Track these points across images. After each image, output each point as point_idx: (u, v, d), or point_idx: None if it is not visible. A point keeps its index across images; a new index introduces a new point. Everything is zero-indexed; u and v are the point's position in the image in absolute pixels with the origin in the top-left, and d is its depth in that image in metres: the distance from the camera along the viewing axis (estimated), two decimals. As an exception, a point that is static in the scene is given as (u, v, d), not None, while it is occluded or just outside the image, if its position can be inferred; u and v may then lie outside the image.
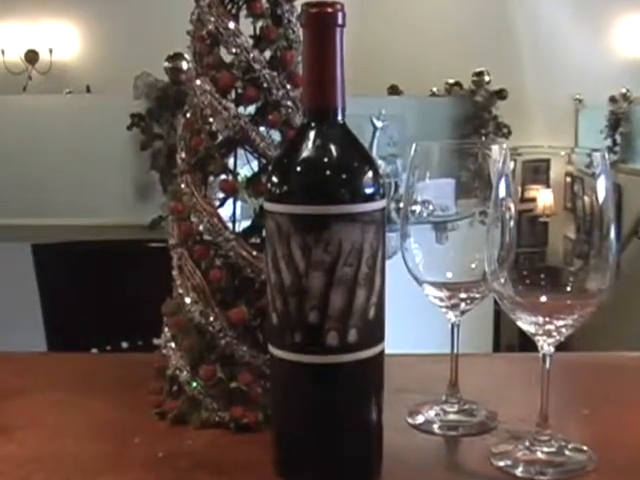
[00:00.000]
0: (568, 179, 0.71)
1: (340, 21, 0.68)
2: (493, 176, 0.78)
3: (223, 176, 0.86)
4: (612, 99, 4.96)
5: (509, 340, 3.61)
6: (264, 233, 0.73)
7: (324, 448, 0.70)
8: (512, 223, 0.71)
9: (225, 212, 0.87)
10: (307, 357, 0.68)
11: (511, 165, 0.71)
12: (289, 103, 0.85)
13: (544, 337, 0.73)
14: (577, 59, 5.11)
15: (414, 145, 0.84)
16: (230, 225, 0.86)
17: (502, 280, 0.72)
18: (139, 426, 0.85)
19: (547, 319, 0.71)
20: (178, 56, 2.97)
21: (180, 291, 0.86)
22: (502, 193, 0.72)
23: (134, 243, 1.76)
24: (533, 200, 0.72)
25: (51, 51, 6.44)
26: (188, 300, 0.85)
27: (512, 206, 0.71)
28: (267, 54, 0.86)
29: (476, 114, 4.27)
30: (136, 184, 3.12)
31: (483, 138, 4.09)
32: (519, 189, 0.72)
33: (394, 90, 5.37)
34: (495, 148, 0.82)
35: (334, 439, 0.70)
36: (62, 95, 4.62)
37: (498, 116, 4.28)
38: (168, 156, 2.86)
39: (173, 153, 0.91)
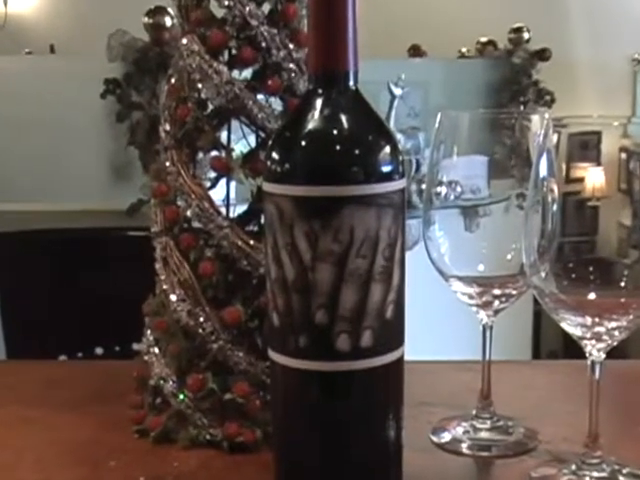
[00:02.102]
0: (623, 155, 0.71)
1: (352, -32, 0.68)
2: (533, 152, 0.78)
3: (215, 152, 0.87)
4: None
5: (551, 345, 3.61)
6: (263, 219, 0.74)
7: (333, 472, 0.71)
8: (555, 207, 0.71)
9: (217, 195, 0.87)
10: (314, 364, 0.69)
11: (554, 139, 0.71)
12: (292, 66, 0.85)
13: (593, 341, 0.73)
14: (636, 11, 5.08)
15: (439, 116, 0.84)
16: (223, 210, 0.86)
17: (543, 274, 0.72)
18: (116, 447, 0.85)
19: (596, 320, 0.72)
20: (160, 10, 2.97)
21: (164, 287, 0.87)
22: (543, 172, 0.72)
23: (109, 232, 1.77)
24: (581, 180, 0.72)
25: (5, 2, 6.38)
26: (174, 298, 0.85)
27: (555, 187, 0.71)
28: (266, 8, 0.86)
29: (513, 79, 4.25)
30: (111, 162, 3.13)
31: (521, 107, 4.08)
32: (564, 167, 0.72)
33: (416, 51, 5.35)
34: (535, 119, 0.83)
35: (345, 461, 0.71)
36: (20, 56, 4.59)
37: (539, 81, 4.26)
38: (149, 129, 2.86)
39: (155, 126, 0.91)
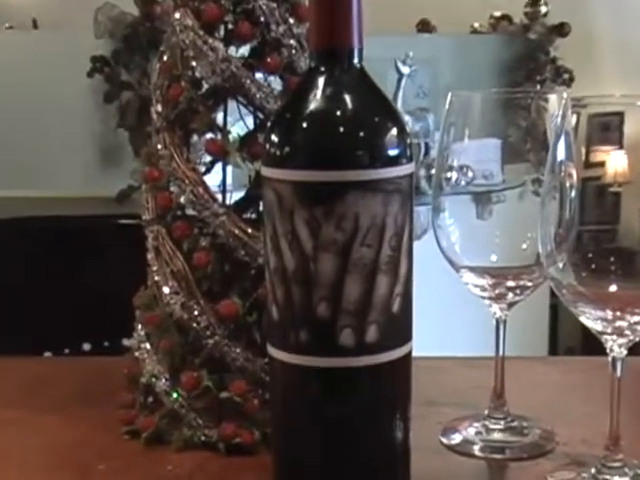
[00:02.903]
0: (646, 138, 0.71)
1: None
2: (550, 134, 0.78)
3: (210, 135, 0.87)
4: None
5: (569, 341, 3.61)
6: (261, 206, 0.74)
7: (336, 475, 0.71)
8: (574, 193, 0.71)
9: (213, 180, 0.88)
10: (315, 360, 0.69)
11: (573, 120, 0.71)
12: (292, 42, 0.85)
13: (614, 337, 0.73)
14: (660, -16, 5.06)
15: (449, 96, 0.84)
16: (219, 196, 0.87)
17: (560, 265, 0.72)
18: (105, 449, 0.86)
19: (618, 314, 0.72)
20: (151, -18, 2.96)
21: (156, 279, 0.87)
22: (561, 156, 0.72)
23: (97, 220, 1.77)
24: (601, 165, 0.72)
25: (-16, -27, 6.38)
26: (167, 290, 0.85)
27: (574, 172, 0.71)
28: (265, -20, 0.86)
29: (529, 56, 4.24)
30: (99, 146, 3.12)
31: (538, 86, 4.07)
32: (583, 151, 0.72)
33: (425, 26, 5.34)
34: (553, 99, 0.83)
35: (349, 464, 0.71)
36: (0, 30, 4.59)
37: (557, 58, 4.25)
38: (140, 110, 2.86)
39: (146, 106, 0.92)
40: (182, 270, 0.85)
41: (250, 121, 0.88)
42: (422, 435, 0.78)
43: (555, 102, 0.82)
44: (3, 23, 5.07)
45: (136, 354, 0.89)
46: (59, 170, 3.12)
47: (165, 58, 0.88)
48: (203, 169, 0.88)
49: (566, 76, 4.23)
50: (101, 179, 3.09)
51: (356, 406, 0.70)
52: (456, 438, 0.86)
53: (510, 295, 0.84)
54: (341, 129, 0.68)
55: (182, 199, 0.85)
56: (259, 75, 0.86)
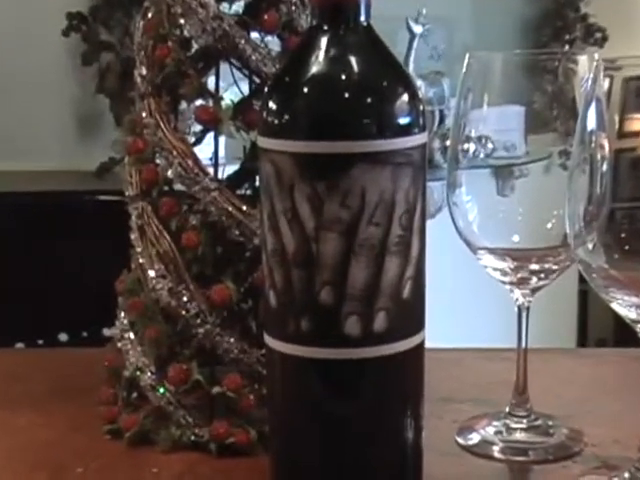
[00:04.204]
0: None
1: None
2: (579, 101, 0.78)
3: (200, 101, 0.87)
4: None
5: (600, 331, 3.61)
6: (258, 181, 0.74)
7: (342, 478, 0.71)
8: (605, 167, 0.71)
9: (203, 152, 0.88)
10: (318, 351, 0.69)
11: (606, 84, 0.71)
12: (292, -2, 0.86)
13: (649, 325, 0.74)
14: None
15: (467, 58, 0.84)
16: (210, 170, 0.87)
17: (590, 246, 0.73)
18: (84, 450, 0.86)
19: (653, 300, 0.72)
20: None
21: (141, 261, 0.87)
22: (592, 124, 0.72)
23: (75, 196, 1.77)
24: (636, 134, 0.72)
25: None
26: (152, 274, 0.86)
27: (606, 143, 0.71)
28: None
29: (557, 13, 4.23)
30: (77, 113, 3.12)
31: (566, 47, 4.06)
32: (617, 119, 0.72)
33: (440, -20, 5.33)
34: (583, 60, 0.82)
35: (354, 466, 0.71)
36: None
37: (588, 15, 4.23)
38: (122, 74, 2.85)
39: (129, 69, 0.92)
40: (169, 252, 0.85)
41: (245, 86, 0.88)
42: (436, 435, 0.78)
43: (585, 64, 0.81)
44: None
45: (118, 345, 0.89)
46: (31, 141, 3.11)
47: (150, 15, 0.88)
48: (193, 139, 0.88)
49: (598, 35, 4.20)
50: (78, 151, 3.08)
51: (362, 402, 0.71)
52: (474, 438, 0.86)
53: (534, 280, 0.84)
54: (346, 95, 0.68)
55: (169, 173, 0.86)
56: (255, 35, 0.86)
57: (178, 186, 0.86)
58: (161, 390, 0.86)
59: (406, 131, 0.69)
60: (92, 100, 3.04)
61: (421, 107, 0.70)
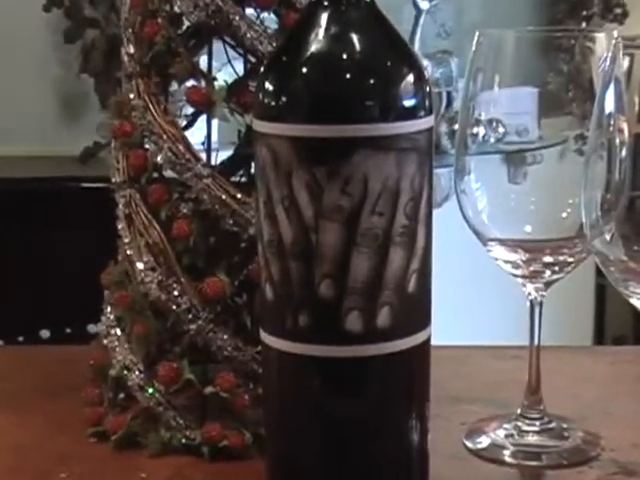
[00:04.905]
0: None
1: None
2: (597, 82, 0.78)
3: (192, 82, 0.87)
4: None
5: (618, 328, 3.61)
6: (253, 167, 0.74)
7: (342, 483, 0.72)
8: (624, 152, 0.71)
9: (195, 136, 0.88)
10: (317, 349, 0.69)
11: (625, 64, 0.71)
12: (290, -29, 0.86)
13: (670, 322, 0.74)
14: None
15: (477, 36, 0.84)
16: (203, 155, 0.87)
17: (608, 237, 0.73)
18: (68, 454, 0.86)
19: (676, 296, 0.72)
20: None
21: (129, 253, 0.87)
22: (610, 107, 0.72)
23: (58, 183, 1.77)
24: (657, 118, 0.72)
25: None
26: (141, 266, 0.86)
27: (625, 127, 0.71)
28: None
29: (573, -13, 4.22)
30: (59, 95, 3.12)
31: (583, 24, 4.05)
32: (637, 101, 0.72)
33: (448, -48, 5.32)
34: (601, 38, 0.82)
35: (356, 470, 0.71)
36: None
37: (607, -10, 4.23)
38: (108, 52, 2.85)
39: (116, 48, 0.92)
40: (159, 242, 0.85)
41: (240, 66, 0.88)
42: (443, 438, 0.78)
43: (604, 42, 0.81)
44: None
45: (104, 342, 0.90)
46: (9, 124, 3.10)
47: (138, -10, 0.88)
48: (184, 123, 0.88)
49: (618, 11, 4.19)
50: (61, 134, 3.07)
51: (364, 403, 0.71)
52: (483, 441, 0.86)
53: (547, 273, 0.84)
54: (348, 75, 0.69)
55: (159, 158, 0.86)
56: (250, 11, 0.86)
57: (168, 172, 0.86)
58: (150, 390, 0.86)
59: (411, 114, 0.69)
60: (75, 80, 3.03)
61: (427, 88, 0.71)
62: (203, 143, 0.88)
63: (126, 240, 0.88)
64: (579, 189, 0.74)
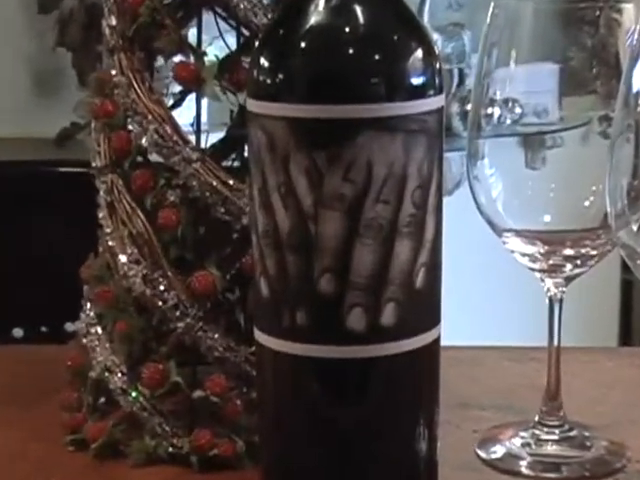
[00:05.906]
0: None
1: None
2: (624, 57, 0.78)
3: (180, 57, 0.87)
4: None
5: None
6: (247, 151, 0.74)
7: (343, 496, 0.72)
8: (653, 135, 0.72)
9: (183, 117, 0.88)
10: (316, 349, 0.69)
11: (653, 39, 0.72)
12: None
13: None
14: None
15: (492, 7, 0.84)
16: (192, 137, 0.87)
17: (635, 227, 0.73)
18: (44, 463, 0.86)
19: None
20: None
21: (110, 244, 0.87)
22: (638, 85, 0.72)
23: (31, 167, 1.77)
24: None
25: None
26: (124, 258, 0.86)
27: (654, 107, 0.72)
28: None
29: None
30: (33, 71, 3.12)
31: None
32: (666, 78, 0.72)
33: None
34: (629, 9, 0.83)
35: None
36: None
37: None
38: (87, 24, 2.85)
39: (96, 19, 0.92)
40: (144, 233, 0.86)
41: (232, 39, 0.88)
42: (453, 446, 0.79)
43: (631, 14, 0.82)
44: None
45: (83, 341, 0.90)
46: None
47: (121, -44, 0.88)
48: (171, 102, 0.88)
49: (646, -19, 4.18)
50: (35, 114, 3.08)
51: (368, 408, 0.71)
52: (497, 451, 0.87)
53: (568, 267, 0.85)
54: (350, 51, 0.69)
55: (144, 140, 0.86)
56: (244, -21, 0.86)
57: (154, 156, 0.86)
58: (133, 394, 0.86)
59: (420, 93, 0.69)
60: (51, 55, 3.03)
61: (438, 65, 0.71)
62: (192, 124, 0.88)
63: (108, 230, 0.88)
64: (603, 175, 0.74)
